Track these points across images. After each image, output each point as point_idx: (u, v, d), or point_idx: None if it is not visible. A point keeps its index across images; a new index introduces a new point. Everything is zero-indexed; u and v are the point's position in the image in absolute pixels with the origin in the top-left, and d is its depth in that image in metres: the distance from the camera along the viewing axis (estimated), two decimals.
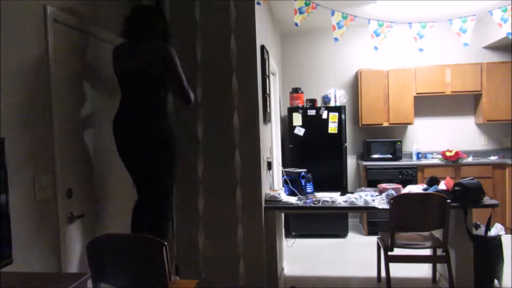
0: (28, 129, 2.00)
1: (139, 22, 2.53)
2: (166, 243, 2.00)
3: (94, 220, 2.58)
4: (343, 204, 3.59)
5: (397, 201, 3.26)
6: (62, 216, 2.20)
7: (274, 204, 3.61)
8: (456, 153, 5.38)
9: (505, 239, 3.72)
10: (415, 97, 5.67)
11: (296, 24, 3.56)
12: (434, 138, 5.93)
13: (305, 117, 5.34)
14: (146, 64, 2.45)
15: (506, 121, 5.55)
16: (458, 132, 5.90)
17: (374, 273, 3.93)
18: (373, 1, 4.66)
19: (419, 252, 3.53)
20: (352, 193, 3.91)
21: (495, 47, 5.74)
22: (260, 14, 3.70)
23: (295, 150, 5.40)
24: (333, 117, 5.32)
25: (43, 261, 2.06)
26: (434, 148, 5.88)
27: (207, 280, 3.26)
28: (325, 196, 3.78)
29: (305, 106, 5.48)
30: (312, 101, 5.52)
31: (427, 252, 3.76)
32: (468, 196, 3.33)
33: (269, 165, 4.02)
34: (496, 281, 3.52)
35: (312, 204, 3.61)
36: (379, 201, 3.54)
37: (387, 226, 3.40)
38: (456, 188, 3.39)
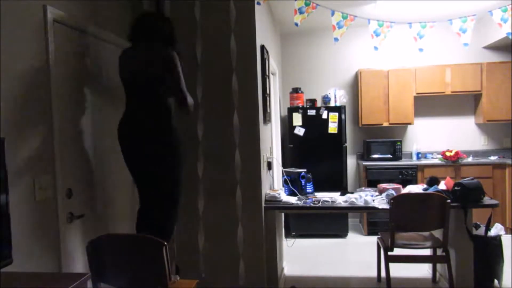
0: (28, 129, 2.00)
1: (144, 27, 2.54)
2: (166, 243, 2.00)
3: (94, 220, 2.58)
4: (343, 204, 3.60)
5: (397, 201, 3.26)
6: (62, 216, 2.20)
7: (274, 204, 3.61)
8: (456, 153, 5.38)
9: (505, 239, 3.72)
10: (415, 97, 5.67)
11: (296, 24, 3.56)
12: (434, 138, 5.93)
13: (305, 117, 5.34)
14: (147, 66, 2.45)
15: (506, 121, 5.55)
16: (458, 132, 5.90)
17: (374, 273, 3.93)
18: (373, 1, 4.66)
19: (419, 252, 3.52)
20: (352, 193, 3.91)
21: (495, 47, 5.73)
22: (260, 14, 3.70)
23: (295, 150, 5.40)
24: (333, 117, 5.32)
25: (43, 261, 2.06)
26: (434, 148, 5.87)
27: (207, 280, 3.27)
28: (325, 196, 3.78)
29: (305, 106, 5.47)
30: (312, 101, 5.52)
31: (427, 252, 3.76)
32: (468, 196, 3.33)
33: (269, 165, 4.02)
34: (496, 281, 3.52)
35: (312, 204, 3.61)
36: (379, 201, 3.54)
37: (387, 226, 3.40)
38: (456, 188, 3.39)
